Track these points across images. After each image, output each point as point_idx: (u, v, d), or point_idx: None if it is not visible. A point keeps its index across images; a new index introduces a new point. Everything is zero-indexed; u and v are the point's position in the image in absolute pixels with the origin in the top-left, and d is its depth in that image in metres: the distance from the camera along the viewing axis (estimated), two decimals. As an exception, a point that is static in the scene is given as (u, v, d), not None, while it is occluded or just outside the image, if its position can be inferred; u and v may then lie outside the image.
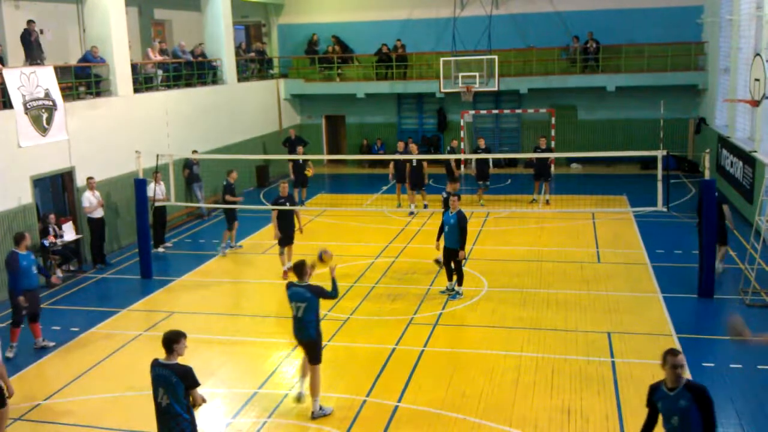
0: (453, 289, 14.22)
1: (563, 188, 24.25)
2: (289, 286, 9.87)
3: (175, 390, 7.41)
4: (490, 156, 21.72)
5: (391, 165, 22.12)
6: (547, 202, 21.60)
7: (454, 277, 14.18)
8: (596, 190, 22.78)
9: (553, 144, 26.00)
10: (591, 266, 16.00)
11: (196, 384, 7.54)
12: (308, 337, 9.79)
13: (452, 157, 22.08)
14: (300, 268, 9.85)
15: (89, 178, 16.68)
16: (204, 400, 7.71)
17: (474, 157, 21.91)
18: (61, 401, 10.58)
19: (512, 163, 28.36)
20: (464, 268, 15.66)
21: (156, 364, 7.58)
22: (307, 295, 9.65)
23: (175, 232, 20.26)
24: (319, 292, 9.77)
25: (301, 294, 9.70)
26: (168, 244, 18.49)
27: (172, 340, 7.53)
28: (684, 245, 16.80)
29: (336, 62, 29.41)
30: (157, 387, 7.52)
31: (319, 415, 9.78)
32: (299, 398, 10.16)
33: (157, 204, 17.51)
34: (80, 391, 10.87)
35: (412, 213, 20.86)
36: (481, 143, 22.12)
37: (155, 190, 17.57)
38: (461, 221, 13.73)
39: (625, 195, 22.44)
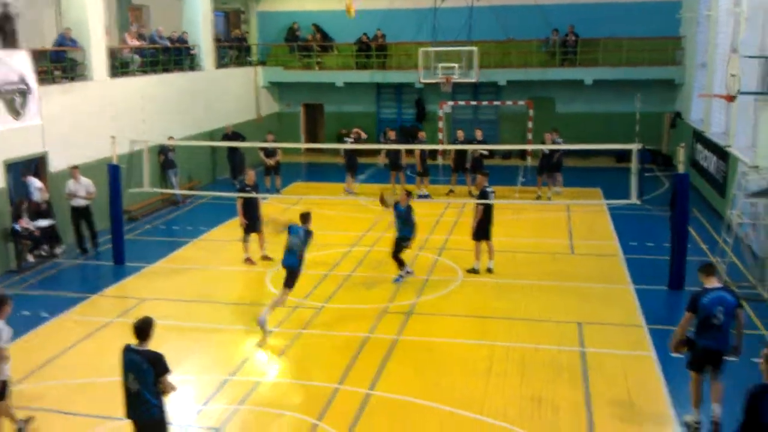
0: (410, 272, 14.63)
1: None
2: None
3: (145, 376, 7.38)
4: (487, 147, 21.52)
5: (383, 153, 22.14)
6: (549, 198, 21.34)
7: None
8: (571, 182, 22.91)
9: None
10: (564, 257, 16.13)
11: (167, 371, 7.50)
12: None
13: (469, 147, 21.57)
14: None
15: (73, 167, 16.51)
16: (174, 388, 7.67)
17: (490, 148, 21.86)
18: (31, 386, 10.48)
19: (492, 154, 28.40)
20: (439, 258, 15.74)
21: (128, 350, 7.53)
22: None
23: (150, 218, 20.12)
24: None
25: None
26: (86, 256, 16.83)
27: (144, 327, 7.50)
28: (656, 238, 16.97)
29: (315, 51, 29.28)
30: (128, 372, 7.47)
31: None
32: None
33: (74, 204, 16.60)
34: (49, 377, 10.78)
35: (421, 196, 21.30)
36: (478, 134, 22.14)
37: (70, 187, 16.62)
38: (410, 212, 14.42)
39: (600, 187, 22.60)
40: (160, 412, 7.54)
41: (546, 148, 20.44)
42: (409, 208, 14.46)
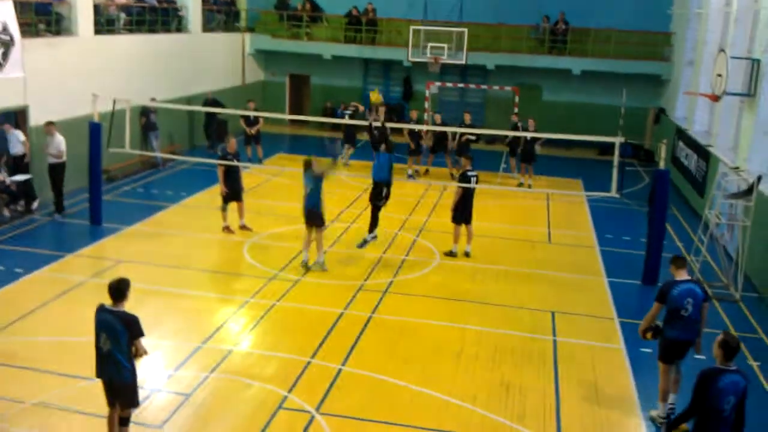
0: (369, 238, 14.56)
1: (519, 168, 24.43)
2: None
3: (118, 337, 7.34)
4: (475, 131, 21.40)
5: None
6: (529, 186, 21.32)
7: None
8: (553, 171, 23.03)
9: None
10: (542, 246, 16.24)
11: (141, 334, 7.48)
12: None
13: (469, 131, 21.31)
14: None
15: (48, 123, 16.09)
16: (146, 352, 7.64)
17: (478, 132, 21.74)
18: (1, 341, 10.41)
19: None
20: (418, 239, 15.78)
21: (102, 309, 7.48)
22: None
23: (129, 180, 19.94)
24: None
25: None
26: (63, 214, 16.47)
27: (120, 287, 7.43)
28: (633, 232, 17.14)
29: (305, 21, 29.01)
30: (100, 332, 7.43)
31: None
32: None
33: (51, 161, 16.05)
34: (20, 333, 10.71)
35: (410, 176, 21.52)
36: (467, 119, 22.02)
37: (48, 144, 16.13)
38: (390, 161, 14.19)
39: (581, 179, 22.73)
40: (131, 374, 7.51)
41: (530, 135, 20.44)
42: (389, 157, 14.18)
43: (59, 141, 16.16)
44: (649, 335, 9.16)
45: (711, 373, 6.72)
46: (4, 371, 9.63)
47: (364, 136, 23.84)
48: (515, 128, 22.42)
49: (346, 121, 21.16)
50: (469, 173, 14.86)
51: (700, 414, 6.77)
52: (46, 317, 11.33)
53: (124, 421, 7.77)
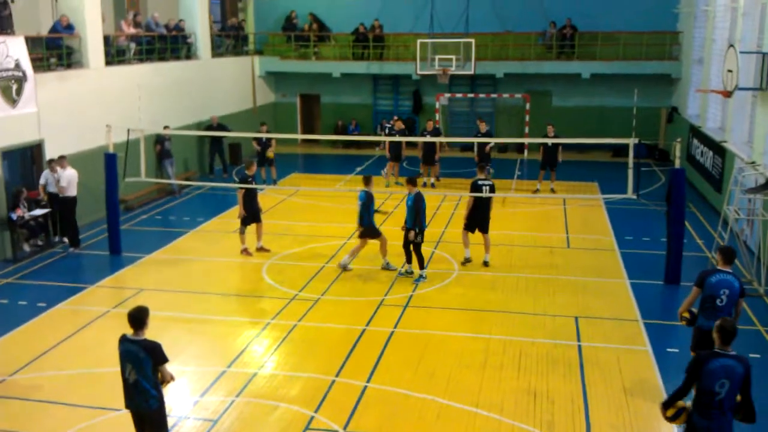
0: (410, 272, 14.33)
1: (535, 174, 24.37)
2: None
3: (142, 366, 7.37)
4: (492, 140, 21.32)
5: (387, 144, 22.10)
6: (552, 191, 21.28)
7: (414, 261, 14.28)
8: (568, 176, 22.95)
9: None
10: (560, 251, 16.16)
11: (165, 360, 7.50)
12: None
13: (485, 140, 21.21)
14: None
15: (60, 157, 16.14)
16: (173, 378, 7.67)
17: (497, 141, 21.62)
18: (27, 376, 10.48)
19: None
20: (436, 251, 15.77)
21: (124, 340, 7.50)
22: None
23: (146, 208, 20.08)
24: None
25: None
26: (82, 247, 16.46)
27: (139, 316, 7.45)
28: (652, 233, 17.02)
29: (312, 40, 29.20)
30: (125, 362, 7.46)
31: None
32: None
33: (62, 195, 15.94)
34: (47, 367, 10.77)
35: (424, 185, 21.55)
36: (482, 127, 21.71)
37: (47, 179, 16.18)
38: (417, 202, 13.87)
39: (596, 182, 22.64)
40: (158, 402, 7.54)
41: (549, 141, 20.25)
42: (415, 197, 13.98)
43: (70, 175, 16.10)
44: (686, 316, 9.13)
45: (704, 356, 6.91)
46: (31, 406, 9.68)
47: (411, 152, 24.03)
48: (547, 144, 21.18)
49: (396, 138, 21.23)
50: (480, 182, 14.85)
51: (696, 394, 6.94)
52: (71, 350, 11.39)
53: None
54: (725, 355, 6.84)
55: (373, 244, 14.83)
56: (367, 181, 14.64)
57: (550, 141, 20.19)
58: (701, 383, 6.86)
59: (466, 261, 15.07)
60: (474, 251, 15.27)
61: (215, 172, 24.16)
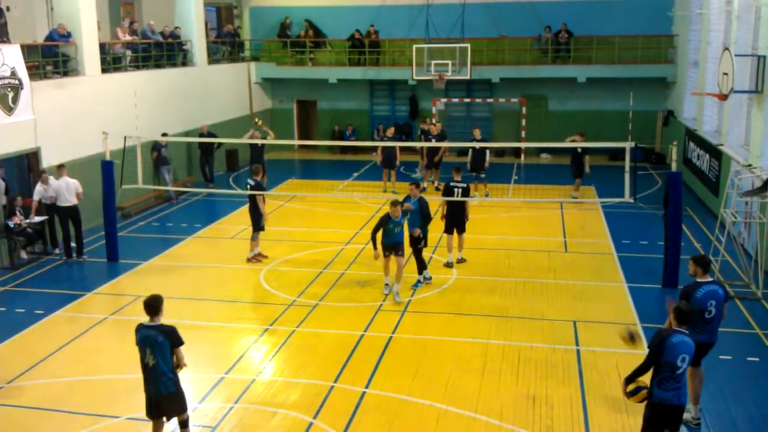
0: (428, 278, 14.33)
1: (532, 178, 24.46)
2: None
3: (161, 349, 7.80)
4: (487, 145, 21.14)
5: (379, 150, 22.11)
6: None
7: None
8: (565, 180, 22.95)
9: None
10: (558, 255, 16.16)
11: (181, 342, 7.97)
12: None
13: (489, 145, 21.41)
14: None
15: (60, 166, 16.03)
16: (185, 364, 8.09)
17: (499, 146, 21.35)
18: (26, 384, 10.45)
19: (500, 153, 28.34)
20: (435, 257, 15.78)
21: (141, 327, 7.97)
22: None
23: (144, 215, 20.06)
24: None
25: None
26: (85, 257, 16.28)
27: (154, 303, 7.94)
28: (649, 236, 17.04)
29: (308, 47, 29.23)
30: (144, 348, 7.87)
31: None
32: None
33: (62, 204, 15.80)
34: (45, 374, 10.74)
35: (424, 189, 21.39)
36: (477, 134, 21.37)
37: (39, 191, 15.96)
38: (423, 207, 13.93)
39: (593, 185, 22.66)
40: (175, 385, 7.99)
41: (578, 146, 19.92)
42: (420, 202, 13.97)
43: (58, 185, 15.86)
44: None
45: (665, 333, 7.52)
46: (30, 413, 9.65)
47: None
48: (575, 152, 20.96)
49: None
50: (452, 184, 15.07)
51: (656, 369, 7.49)
52: (69, 357, 11.36)
53: (184, 424, 8.31)
54: (682, 332, 7.49)
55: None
56: (395, 204, 13.21)
57: (579, 146, 19.95)
58: (664, 357, 7.40)
59: (448, 265, 15.25)
60: (469, 254, 15.27)
61: (210, 179, 23.87)
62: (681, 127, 24.43)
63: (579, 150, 20.47)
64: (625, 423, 9.24)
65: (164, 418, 8.23)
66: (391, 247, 13.33)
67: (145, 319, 8.04)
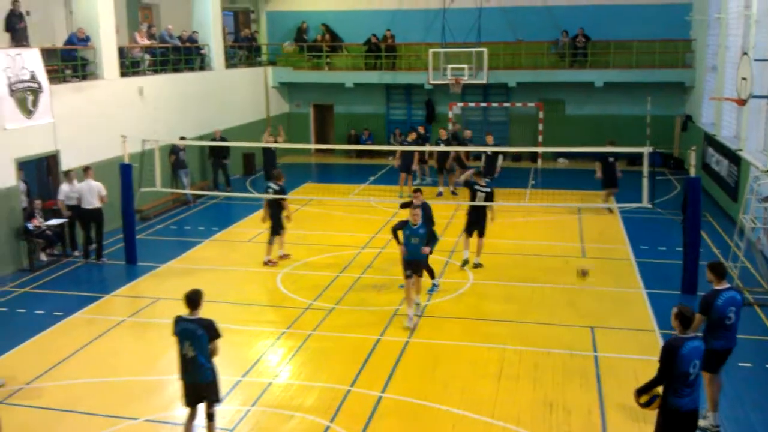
0: (436, 285, 14.28)
1: (549, 183, 24.36)
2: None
3: (200, 341, 8.17)
4: (499, 149, 21.00)
5: (398, 154, 22.11)
6: (610, 210, 20.40)
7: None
8: (582, 185, 22.88)
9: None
10: (576, 261, 16.06)
11: (219, 335, 8.36)
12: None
13: (499, 150, 21.23)
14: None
15: (85, 168, 16.18)
16: (217, 353, 8.42)
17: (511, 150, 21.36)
18: (44, 385, 10.52)
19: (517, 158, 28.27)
20: (450, 261, 15.75)
21: (180, 320, 8.31)
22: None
23: (162, 218, 20.17)
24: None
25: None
26: (104, 259, 16.39)
27: (195, 298, 8.34)
28: (668, 242, 16.92)
29: (325, 51, 29.30)
30: (183, 340, 8.22)
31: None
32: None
33: (85, 206, 15.99)
34: (63, 376, 10.81)
35: (440, 194, 21.92)
36: (489, 140, 21.35)
37: (65, 191, 16.23)
38: (426, 211, 13.75)
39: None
40: (213, 373, 8.36)
41: (612, 152, 19.56)
42: (422, 207, 13.68)
43: (80, 188, 16.07)
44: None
45: (675, 343, 7.42)
46: (48, 414, 9.73)
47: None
48: (604, 159, 20.03)
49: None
50: (477, 188, 15.16)
51: (669, 380, 7.42)
52: (87, 359, 11.44)
53: (211, 417, 8.53)
54: (690, 338, 7.45)
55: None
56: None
57: (611, 155, 19.55)
58: (677, 368, 7.34)
59: (464, 263, 15.42)
60: (485, 259, 15.24)
61: (219, 187, 23.54)
62: (699, 132, 24.26)
63: (611, 159, 20.13)
64: (643, 430, 9.17)
65: (201, 404, 8.48)
66: (413, 264, 12.49)
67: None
